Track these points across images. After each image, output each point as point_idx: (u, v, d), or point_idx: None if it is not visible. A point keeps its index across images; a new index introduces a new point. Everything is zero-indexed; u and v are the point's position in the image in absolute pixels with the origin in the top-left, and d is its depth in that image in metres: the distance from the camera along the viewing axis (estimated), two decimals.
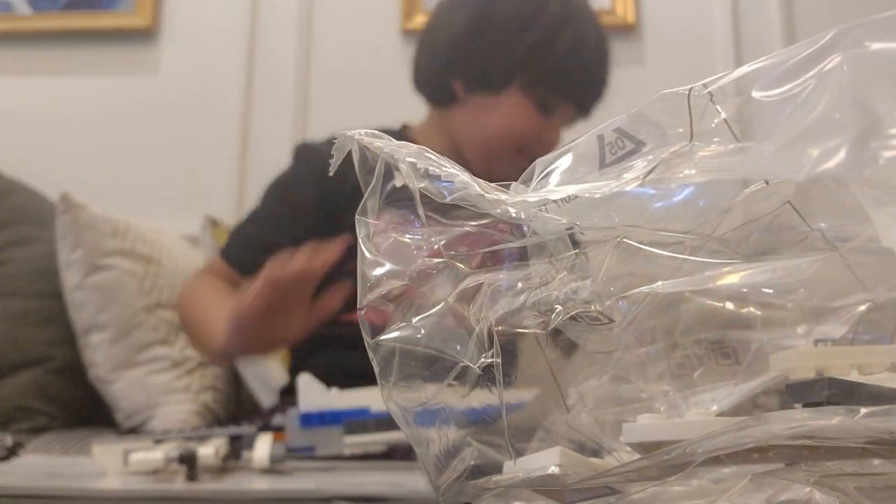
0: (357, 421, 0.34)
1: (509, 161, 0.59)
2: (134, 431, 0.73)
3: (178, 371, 0.77)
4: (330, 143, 0.64)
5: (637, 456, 0.17)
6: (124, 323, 0.75)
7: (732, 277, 0.17)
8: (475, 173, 0.18)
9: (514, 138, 0.58)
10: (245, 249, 0.62)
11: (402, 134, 0.67)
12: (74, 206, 0.77)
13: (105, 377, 0.75)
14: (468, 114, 0.61)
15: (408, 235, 0.19)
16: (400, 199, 0.19)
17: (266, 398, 0.74)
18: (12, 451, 0.43)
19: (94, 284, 0.76)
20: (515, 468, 0.18)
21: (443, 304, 0.19)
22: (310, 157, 0.64)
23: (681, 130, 0.18)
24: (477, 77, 0.60)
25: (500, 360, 0.18)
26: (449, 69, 0.61)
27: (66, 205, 0.77)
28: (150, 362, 0.76)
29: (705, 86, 0.18)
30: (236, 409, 0.83)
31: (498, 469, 0.19)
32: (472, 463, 0.19)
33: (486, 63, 0.59)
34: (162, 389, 0.75)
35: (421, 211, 0.18)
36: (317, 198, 0.61)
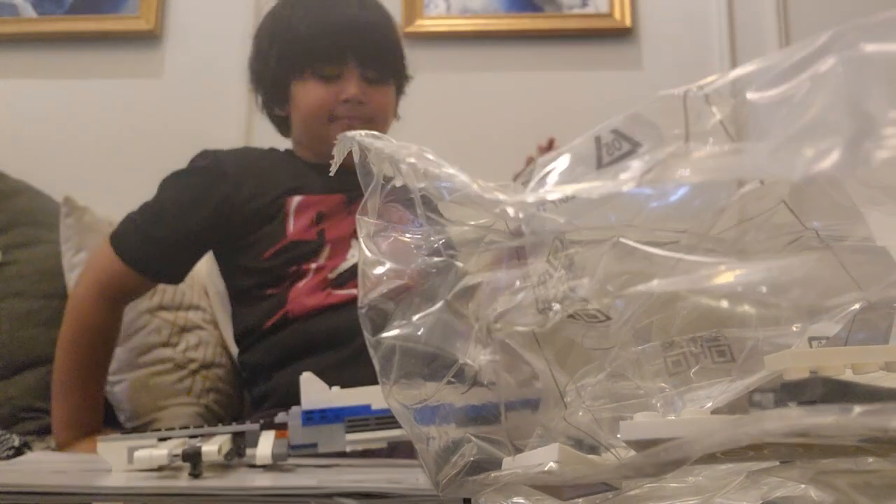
0: (358, 418, 0.35)
1: (332, 133, 0.66)
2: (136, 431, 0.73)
3: (182, 373, 0.77)
4: (231, 152, 0.67)
5: (634, 453, 0.17)
6: (127, 325, 0.76)
7: (727, 276, 0.17)
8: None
9: (315, 113, 0.67)
10: (145, 251, 0.65)
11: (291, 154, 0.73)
12: (78, 209, 0.78)
13: (109, 378, 0.76)
14: (292, 113, 0.71)
15: (408, 235, 0.19)
16: (400, 199, 0.19)
17: None
18: (19, 451, 0.44)
19: None
20: (514, 464, 0.19)
21: (442, 302, 0.19)
22: (210, 165, 0.68)
23: (677, 131, 0.18)
24: (274, 87, 0.70)
25: (498, 358, 0.19)
26: (267, 95, 0.72)
27: (70, 208, 0.78)
28: (153, 364, 0.76)
29: (701, 87, 0.19)
30: (238, 410, 0.83)
31: (497, 465, 0.19)
32: (472, 459, 0.19)
33: (269, 73, 0.69)
34: (165, 392, 0.75)
35: (421, 211, 0.19)
36: (212, 210, 0.65)
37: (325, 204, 0.65)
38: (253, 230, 0.65)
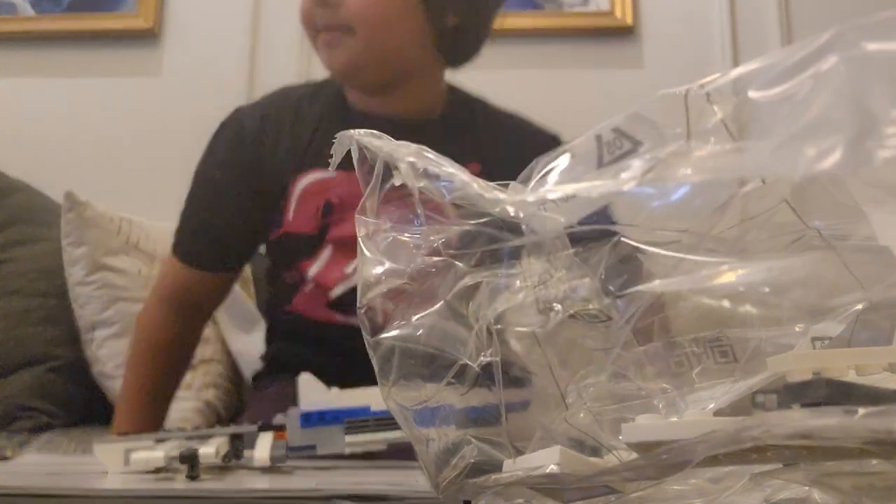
0: (357, 420, 0.34)
1: (319, 50, 0.54)
2: None
3: None
4: (257, 104, 0.47)
5: (636, 455, 0.17)
6: (129, 319, 0.76)
7: (729, 276, 0.17)
8: None
9: (303, 22, 0.55)
10: (196, 244, 0.58)
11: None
12: (79, 204, 0.78)
13: (110, 373, 0.76)
14: None
15: (407, 234, 0.19)
16: (399, 199, 0.19)
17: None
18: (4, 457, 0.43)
19: (100, 281, 0.76)
20: (515, 466, 0.18)
21: (442, 302, 0.19)
22: (233, 128, 0.59)
23: (678, 130, 0.18)
24: None
25: (499, 359, 0.18)
26: None
27: (71, 203, 0.78)
28: None
29: (702, 86, 0.18)
30: (237, 406, 0.83)
31: (497, 467, 0.19)
32: (472, 461, 0.19)
33: None
34: None
35: (420, 210, 0.19)
36: (249, 170, 0.56)
37: (339, 189, 0.53)
38: (264, 205, 0.56)
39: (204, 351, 0.80)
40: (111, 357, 0.76)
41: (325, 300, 0.54)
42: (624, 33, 1.14)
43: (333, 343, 0.54)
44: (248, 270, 0.96)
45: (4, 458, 0.40)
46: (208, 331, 0.82)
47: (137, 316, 0.61)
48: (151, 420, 0.57)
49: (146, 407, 0.57)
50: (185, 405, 0.75)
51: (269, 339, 0.62)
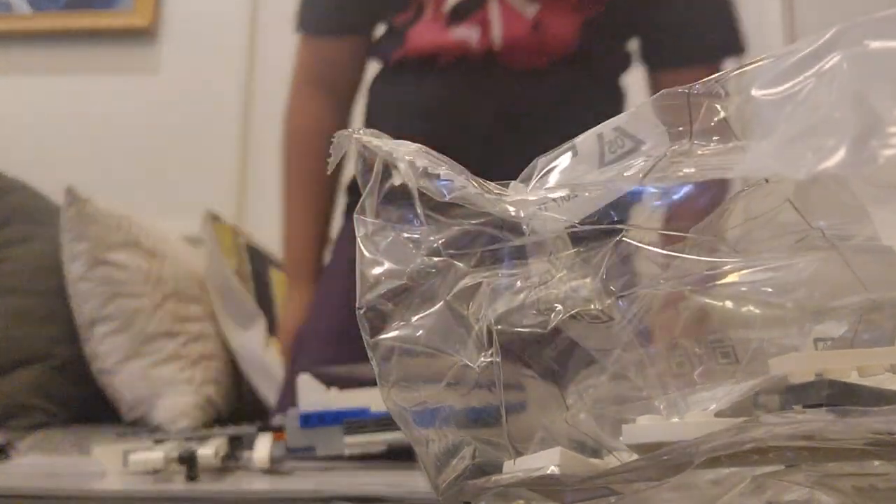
0: (357, 421, 0.34)
1: None
2: (136, 424, 0.73)
3: (182, 363, 0.78)
4: None
5: (636, 457, 0.17)
6: (130, 314, 0.76)
7: (732, 276, 0.17)
8: None
9: None
10: (319, 9, 0.58)
11: None
12: (80, 200, 0.78)
13: (110, 368, 0.76)
14: None
15: (406, 234, 0.19)
16: (398, 198, 0.19)
17: (268, 391, 0.74)
18: (2, 451, 0.43)
19: (100, 276, 0.76)
20: (515, 468, 0.18)
21: (441, 303, 0.19)
22: None
23: (681, 129, 0.18)
24: None
25: (499, 360, 0.18)
26: None
27: (72, 198, 0.78)
28: (155, 353, 0.76)
29: (705, 84, 0.18)
30: (238, 404, 0.83)
31: (498, 468, 0.19)
32: (472, 462, 0.19)
33: None
34: (165, 381, 0.75)
35: (420, 210, 0.18)
36: None
37: None
38: None
39: (204, 347, 0.80)
40: (111, 353, 0.76)
41: (441, 16, 0.49)
42: None
43: (441, 70, 0.47)
44: (247, 268, 0.95)
45: (7, 457, 0.40)
46: (207, 327, 0.82)
47: (284, 114, 0.60)
48: (321, 222, 0.55)
49: (319, 210, 0.56)
50: (185, 400, 0.75)
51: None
